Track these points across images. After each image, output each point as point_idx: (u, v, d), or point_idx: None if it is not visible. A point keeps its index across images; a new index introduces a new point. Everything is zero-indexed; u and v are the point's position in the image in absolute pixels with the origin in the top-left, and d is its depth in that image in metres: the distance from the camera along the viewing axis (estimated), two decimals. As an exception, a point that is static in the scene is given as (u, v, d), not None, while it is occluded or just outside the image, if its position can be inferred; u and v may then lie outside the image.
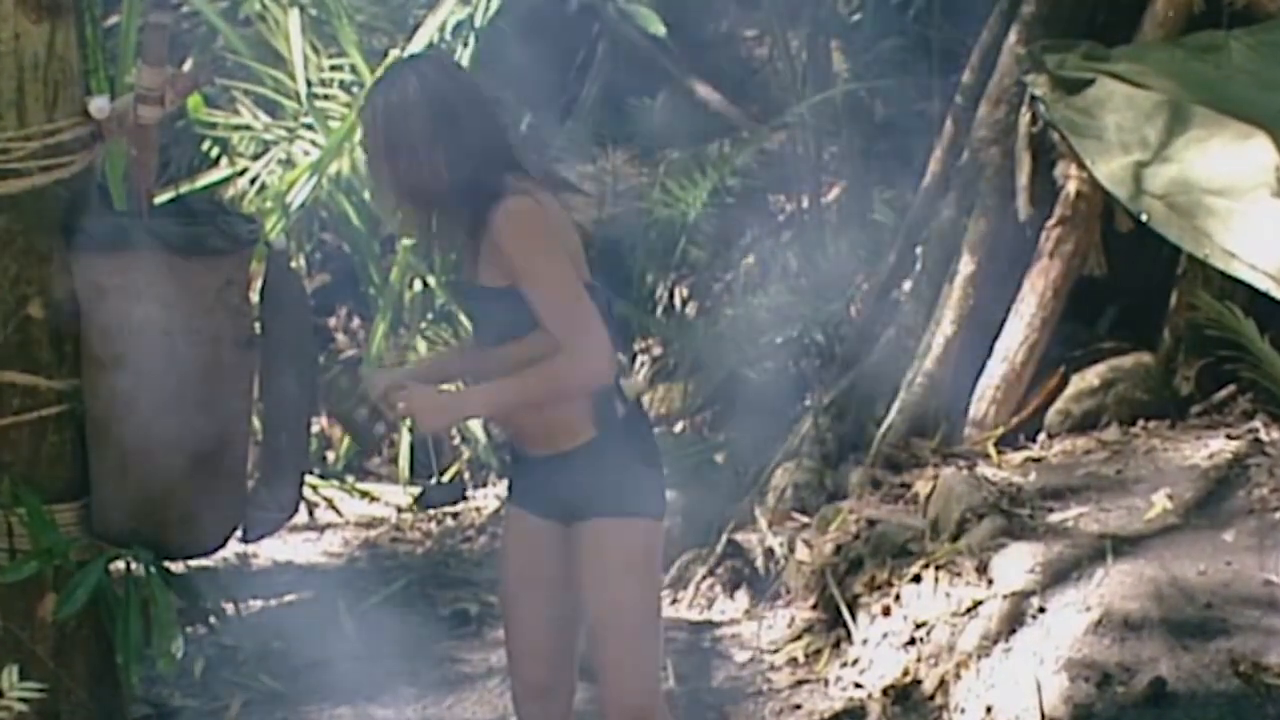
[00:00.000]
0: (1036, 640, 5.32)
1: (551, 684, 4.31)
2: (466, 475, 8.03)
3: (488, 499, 7.76)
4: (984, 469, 6.45)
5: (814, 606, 6.34)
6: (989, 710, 5.27)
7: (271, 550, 7.01)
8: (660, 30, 8.31)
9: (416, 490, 7.27)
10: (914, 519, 6.30)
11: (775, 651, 6.18)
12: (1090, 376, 6.80)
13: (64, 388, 4.03)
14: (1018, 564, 5.66)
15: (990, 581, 5.69)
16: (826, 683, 5.91)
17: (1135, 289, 7.02)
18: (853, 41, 8.54)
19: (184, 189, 7.25)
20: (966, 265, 6.90)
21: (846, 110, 8.27)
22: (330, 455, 8.11)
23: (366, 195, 8.04)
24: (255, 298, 4.17)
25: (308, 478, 4.75)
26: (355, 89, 8.03)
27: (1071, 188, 6.77)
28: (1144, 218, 6.17)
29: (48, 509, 4.01)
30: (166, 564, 4.12)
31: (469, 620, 6.46)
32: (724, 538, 6.78)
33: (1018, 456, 6.59)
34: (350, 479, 7.90)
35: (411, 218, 4.14)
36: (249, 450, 4.18)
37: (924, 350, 6.88)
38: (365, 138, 4.11)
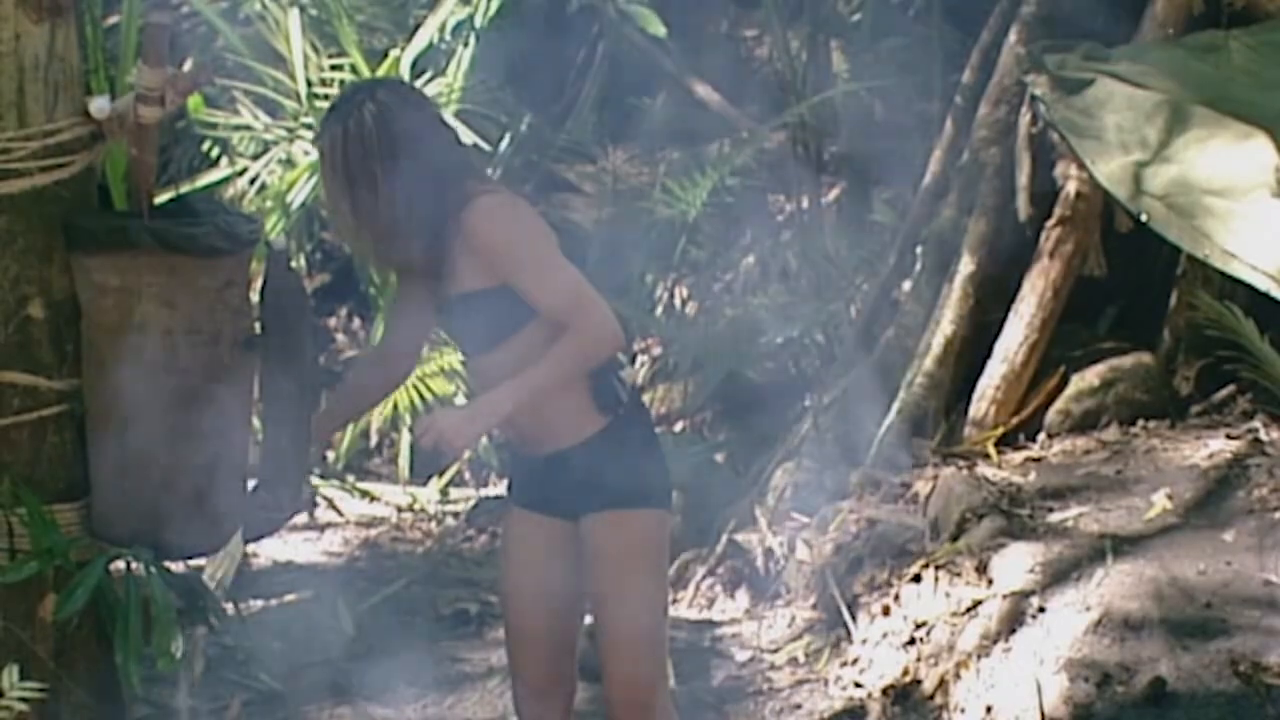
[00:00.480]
0: (1036, 640, 5.32)
1: (552, 683, 4.31)
2: (466, 475, 8.03)
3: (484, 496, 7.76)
4: (984, 469, 6.45)
5: (814, 606, 6.34)
6: (989, 710, 5.28)
7: (272, 550, 7.01)
8: (660, 30, 8.30)
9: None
10: (914, 519, 6.31)
11: (775, 651, 6.18)
12: (1090, 376, 6.80)
13: (64, 388, 4.03)
14: (1017, 564, 5.66)
15: (990, 581, 5.69)
16: (826, 682, 5.91)
17: (1135, 289, 7.02)
18: (853, 41, 8.54)
19: (184, 189, 7.25)
20: (966, 265, 6.90)
21: (846, 110, 8.26)
22: (330, 455, 8.11)
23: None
24: (255, 298, 4.18)
25: (308, 477, 4.75)
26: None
27: (1071, 188, 6.77)
28: (1144, 218, 6.17)
29: (48, 509, 4.01)
30: (166, 564, 4.12)
31: (469, 620, 6.46)
32: (724, 537, 6.78)
33: (1018, 456, 6.59)
34: (350, 478, 7.90)
35: (371, 244, 4.12)
36: (249, 449, 4.19)
37: (924, 350, 6.88)
38: (324, 168, 4.08)
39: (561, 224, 7.99)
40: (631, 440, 4.17)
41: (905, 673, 5.69)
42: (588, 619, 4.32)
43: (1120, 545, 5.65)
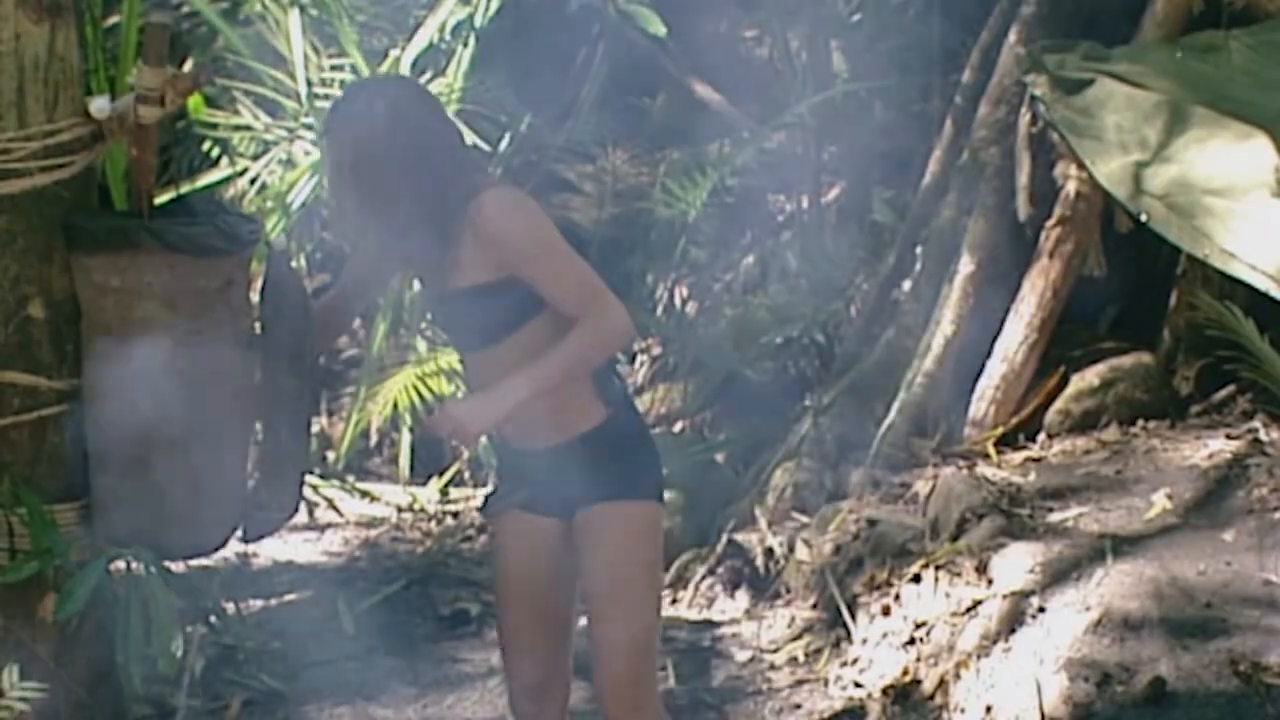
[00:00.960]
0: (1036, 640, 5.32)
1: (547, 683, 4.30)
2: (466, 475, 8.03)
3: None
4: (984, 469, 6.45)
5: (814, 606, 6.34)
6: (989, 710, 5.28)
7: (272, 550, 7.01)
8: (660, 30, 8.30)
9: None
10: (914, 519, 6.31)
11: (775, 651, 6.18)
12: (1090, 376, 6.80)
13: (64, 388, 4.03)
14: (1017, 564, 5.66)
15: (990, 581, 5.69)
16: (826, 682, 5.91)
17: (1135, 289, 7.02)
18: (853, 41, 8.54)
19: (184, 189, 7.26)
20: (966, 265, 6.91)
21: (846, 110, 8.26)
22: (330, 455, 8.11)
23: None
24: (256, 298, 4.18)
25: (308, 477, 4.75)
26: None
27: (1071, 188, 6.77)
28: (1143, 218, 6.17)
29: (48, 509, 4.01)
30: (167, 564, 4.13)
31: (469, 620, 6.47)
32: (724, 537, 6.78)
33: (1017, 456, 6.59)
34: (350, 478, 7.90)
35: (375, 239, 4.11)
36: (249, 450, 4.19)
37: (924, 350, 6.89)
38: (330, 163, 4.05)
39: (562, 224, 7.98)
40: (629, 433, 4.17)
41: (905, 673, 5.69)
42: (582, 620, 4.31)
43: (1120, 545, 5.66)
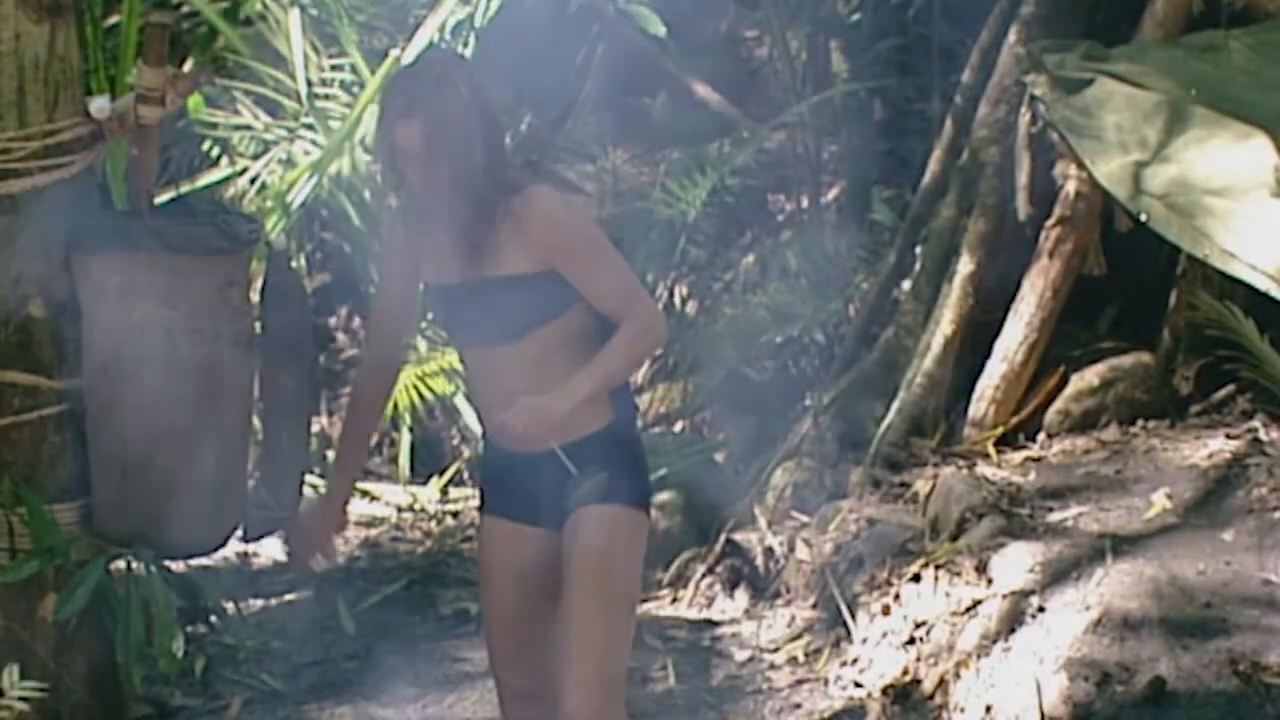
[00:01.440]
0: (1036, 640, 5.33)
1: (537, 689, 4.25)
2: (466, 474, 8.03)
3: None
4: (983, 469, 6.45)
5: (814, 606, 6.34)
6: (988, 709, 5.28)
7: (272, 549, 7.00)
8: (660, 30, 8.30)
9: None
10: (913, 518, 6.31)
11: (775, 650, 6.18)
12: (1090, 376, 6.80)
13: (65, 387, 4.04)
14: (1017, 563, 5.67)
15: (990, 581, 5.69)
16: (826, 682, 5.91)
17: (1134, 289, 7.02)
18: (852, 41, 8.54)
19: (185, 189, 7.26)
20: (966, 265, 6.91)
21: (846, 110, 8.26)
22: (330, 454, 8.11)
23: (367, 195, 8.03)
24: (256, 297, 4.18)
25: (308, 477, 4.75)
26: (355, 89, 8.03)
27: (1071, 188, 6.77)
28: (1143, 218, 6.17)
29: (48, 508, 4.02)
30: (167, 563, 4.13)
31: (469, 619, 6.46)
32: (723, 537, 6.78)
33: (1017, 456, 6.59)
34: (350, 478, 7.89)
35: (419, 211, 4.08)
36: (249, 449, 4.19)
37: (923, 350, 6.89)
38: (409, 132, 3.96)
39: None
40: (629, 438, 4.17)
41: (905, 672, 5.69)
42: None
43: (1120, 545, 5.66)
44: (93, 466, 4.03)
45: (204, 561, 4.51)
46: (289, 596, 6.72)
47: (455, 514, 7.69)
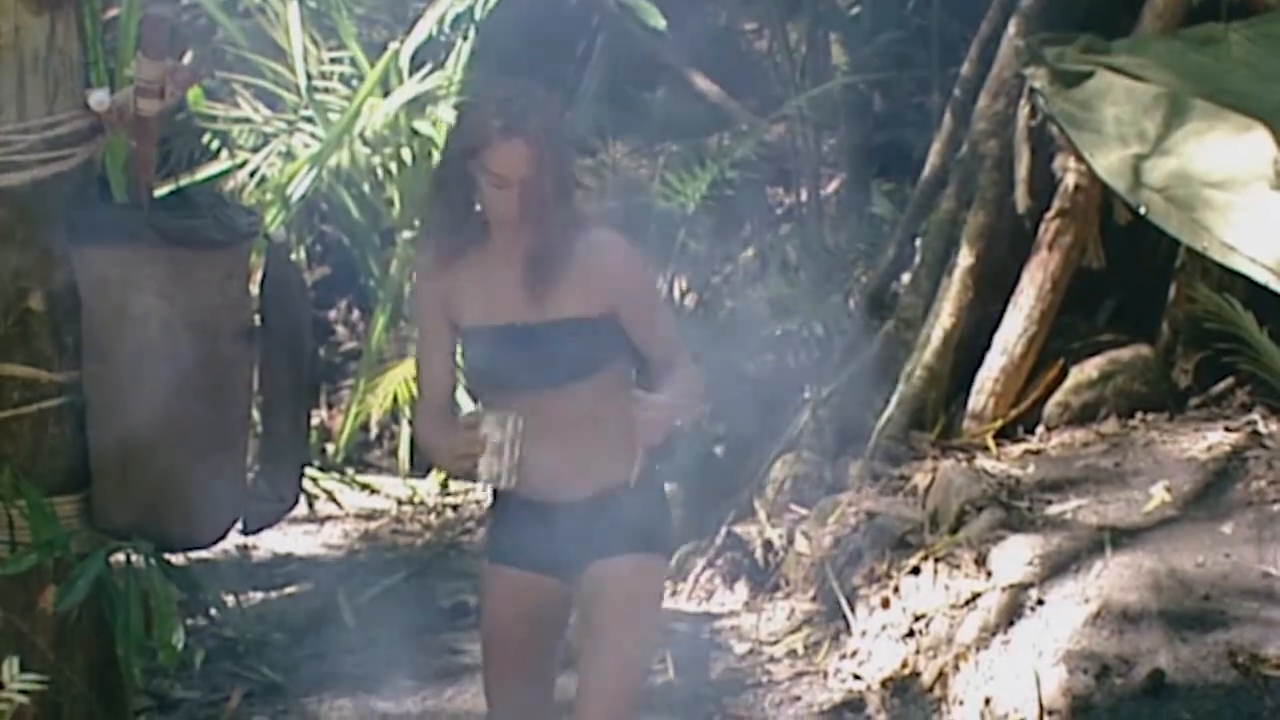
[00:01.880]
0: (1035, 632, 5.33)
1: (534, 713, 4.27)
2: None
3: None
4: (983, 461, 6.46)
5: (813, 598, 6.34)
6: (988, 702, 5.28)
7: (271, 542, 7.02)
8: (660, 23, 8.30)
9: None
10: (913, 511, 6.31)
11: (774, 643, 6.18)
12: (1089, 369, 6.81)
13: (64, 380, 4.03)
14: (1016, 556, 5.67)
15: (989, 574, 5.70)
16: (825, 674, 5.92)
17: (1134, 281, 7.02)
18: (852, 34, 8.54)
19: (184, 181, 7.25)
20: (965, 258, 6.91)
21: (845, 103, 8.26)
22: (330, 447, 8.11)
23: (366, 188, 8.04)
24: (255, 290, 4.18)
25: (307, 470, 4.76)
26: (355, 82, 8.03)
27: (1070, 180, 6.77)
28: (1143, 210, 6.17)
29: (48, 501, 4.02)
30: (167, 556, 4.13)
31: (469, 612, 6.47)
32: (723, 530, 6.78)
33: (1016, 449, 6.59)
34: (350, 471, 7.91)
35: (498, 248, 4.01)
36: (249, 442, 4.19)
37: (923, 343, 6.89)
38: (510, 156, 3.90)
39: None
40: (656, 485, 4.17)
41: (904, 665, 5.70)
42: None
43: (1119, 537, 5.66)
44: (92, 459, 4.03)
45: (204, 554, 4.51)
46: (289, 589, 6.73)
47: (455, 507, 7.70)
